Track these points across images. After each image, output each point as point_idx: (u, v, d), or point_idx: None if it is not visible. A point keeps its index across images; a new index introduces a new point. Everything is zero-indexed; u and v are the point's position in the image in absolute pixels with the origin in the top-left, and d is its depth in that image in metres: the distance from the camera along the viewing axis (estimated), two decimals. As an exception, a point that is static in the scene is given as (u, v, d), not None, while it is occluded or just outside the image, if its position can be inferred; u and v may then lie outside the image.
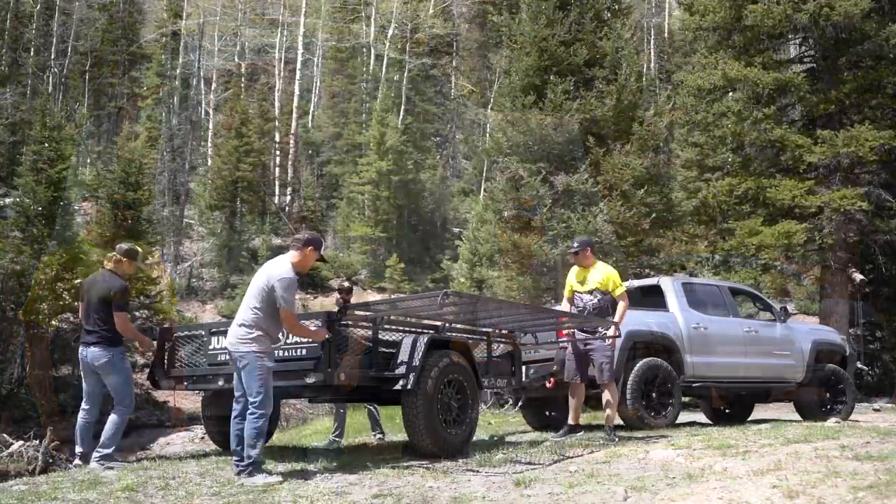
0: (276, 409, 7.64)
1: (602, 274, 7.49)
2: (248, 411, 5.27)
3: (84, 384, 6.56)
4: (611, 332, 7.33)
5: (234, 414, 5.43)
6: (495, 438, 7.80)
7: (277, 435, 9.31)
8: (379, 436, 8.78)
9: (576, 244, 7.66)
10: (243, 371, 5.33)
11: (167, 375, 6.66)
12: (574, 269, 7.70)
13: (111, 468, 5.98)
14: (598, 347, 7.34)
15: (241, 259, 33.52)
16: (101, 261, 6.63)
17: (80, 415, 6.50)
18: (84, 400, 6.51)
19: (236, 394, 5.46)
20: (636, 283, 9.94)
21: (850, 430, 6.94)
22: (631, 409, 8.15)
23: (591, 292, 7.42)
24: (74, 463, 6.36)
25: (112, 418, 6.32)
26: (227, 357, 5.61)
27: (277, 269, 5.39)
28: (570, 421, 7.49)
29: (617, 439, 7.02)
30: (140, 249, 6.95)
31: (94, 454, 6.15)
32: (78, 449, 6.44)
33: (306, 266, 5.62)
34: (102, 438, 6.23)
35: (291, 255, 5.55)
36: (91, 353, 6.33)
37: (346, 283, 9.48)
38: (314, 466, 5.84)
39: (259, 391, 5.27)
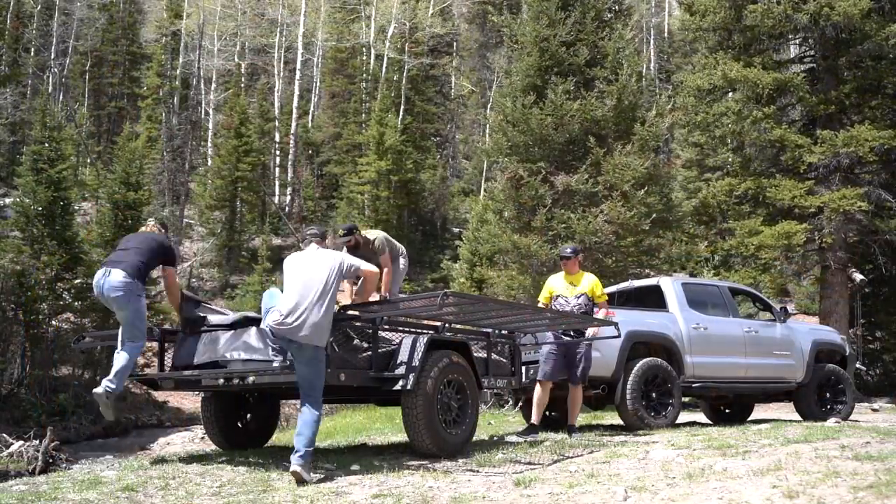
0: (275, 408, 7.67)
1: (590, 281, 7.71)
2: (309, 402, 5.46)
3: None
4: (609, 332, 7.37)
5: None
6: (495, 438, 7.80)
7: (277, 435, 9.30)
8: None
9: (569, 250, 7.79)
10: (307, 363, 5.40)
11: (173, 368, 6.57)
12: (560, 276, 7.84)
13: (108, 399, 5.89)
14: (582, 349, 7.48)
15: (241, 259, 33.53)
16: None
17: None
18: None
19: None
20: (636, 283, 9.93)
21: (850, 430, 6.93)
22: (631, 409, 8.15)
23: (578, 297, 7.56)
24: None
25: (122, 354, 6.03)
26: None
27: (333, 255, 5.77)
28: (534, 420, 7.63)
29: (577, 435, 7.27)
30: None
31: (104, 381, 5.95)
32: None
33: None
34: (114, 370, 6.00)
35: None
36: (108, 283, 5.95)
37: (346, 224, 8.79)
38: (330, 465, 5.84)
39: (321, 386, 5.49)
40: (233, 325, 6.13)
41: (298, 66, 40.18)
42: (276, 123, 39.46)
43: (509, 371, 7.30)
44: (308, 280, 5.49)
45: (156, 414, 21.68)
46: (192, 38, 41.17)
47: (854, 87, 17.12)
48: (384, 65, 39.18)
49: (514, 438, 7.36)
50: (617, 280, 12.82)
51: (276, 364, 5.56)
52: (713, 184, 19.05)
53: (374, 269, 6.05)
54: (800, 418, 9.63)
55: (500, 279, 16.32)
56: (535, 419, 7.63)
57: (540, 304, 7.77)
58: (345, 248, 7.74)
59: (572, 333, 7.61)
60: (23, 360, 19.78)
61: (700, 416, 10.86)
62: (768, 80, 16.63)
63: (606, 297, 7.77)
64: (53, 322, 21.11)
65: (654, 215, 15.39)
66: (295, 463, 5.17)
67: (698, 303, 9.26)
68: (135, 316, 6.08)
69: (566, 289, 7.66)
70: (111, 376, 5.98)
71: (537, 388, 7.63)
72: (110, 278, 5.97)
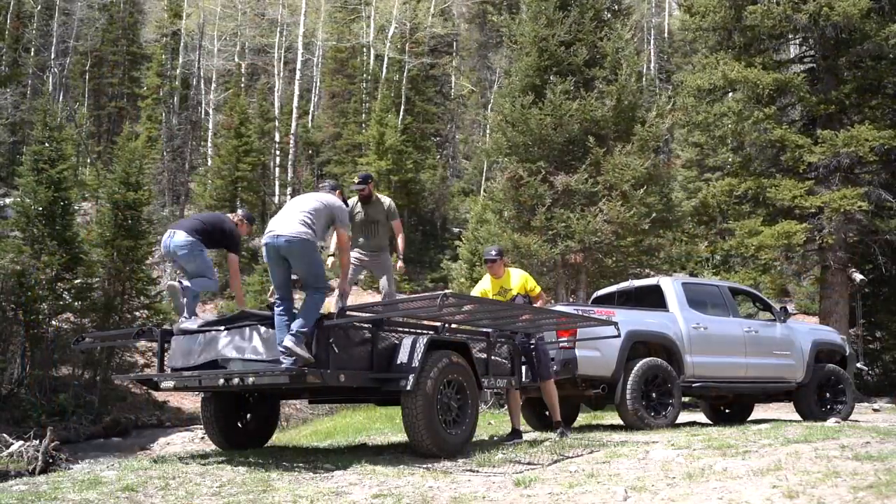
0: (275, 408, 7.67)
1: (519, 277, 7.62)
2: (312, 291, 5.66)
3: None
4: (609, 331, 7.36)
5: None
6: (495, 438, 7.80)
7: (277, 435, 9.31)
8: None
9: (493, 252, 7.68)
10: (299, 257, 5.66)
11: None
12: (487, 279, 7.76)
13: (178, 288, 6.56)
14: (541, 346, 7.44)
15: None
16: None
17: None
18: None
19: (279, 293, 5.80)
20: (636, 283, 9.93)
21: (850, 430, 6.93)
22: (631, 409, 8.15)
23: (514, 297, 7.48)
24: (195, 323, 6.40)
25: (191, 290, 6.65)
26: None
27: (332, 199, 6.04)
28: (517, 426, 7.51)
29: (568, 435, 7.17)
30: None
31: (182, 320, 6.44)
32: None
33: None
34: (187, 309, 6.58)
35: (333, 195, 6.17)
36: (175, 242, 6.64)
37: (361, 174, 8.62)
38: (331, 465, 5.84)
39: (320, 273, 5.74)
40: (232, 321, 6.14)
41: (298, 66, 40.18)
42: (276, 123, 39.47)
43: (509, 371, 7.29)
44: (299, 201, 6.01)
45: (156, 414, 21.68)
46: (192, 38, 41.18)
47: (854, 87, 17.12)
48: (384, 65, 39.19)
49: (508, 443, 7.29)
50: (617, 280, 12.82)
51: (284, 365, 5.54)
52: (713, 184, 19.05)
53: (345, 234, 6.15)
54: (800, 418, 9.63)
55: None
56: (516, 423, 7.55)
57: None
58: (357, 197, 7.73)
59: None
60: (23, 360, 19.79)
61: (700, 416, 10.86)
62: (768, 80, 16.63)
63: (540, 288, 7.67)
64: (53, 322, 21.12)
65: (654, 215, 15.40)
66: (287, 339, 5.47)
67: (698, 303, 9.26)
68: (204, 265, 6.76)
69: (500, 292, 7.59)
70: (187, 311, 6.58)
71: (514, 395, 7.57)
72: (173, 244, 6.68)
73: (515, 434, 7.39)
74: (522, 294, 7.48)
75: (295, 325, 5.52)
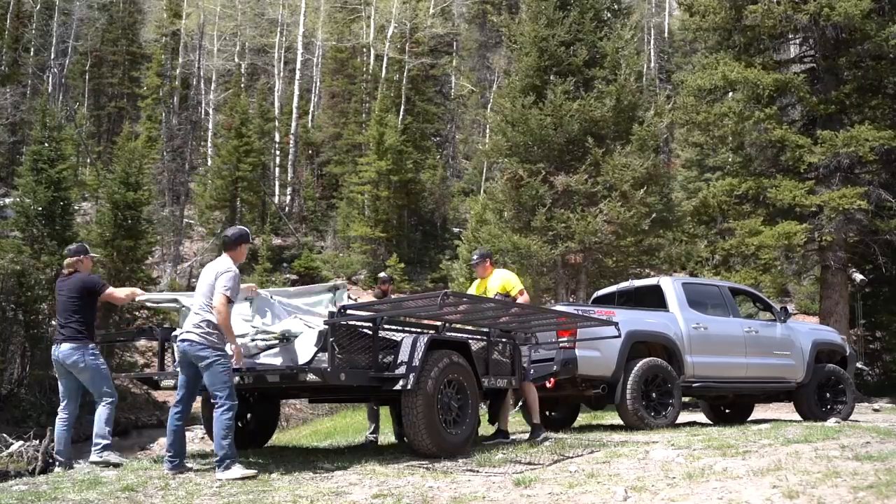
0: (275, 408, 7.67)
1: (499, 280, 7.62)
2: (217, 406, 5.48)
3: (60, 384, 6.53)
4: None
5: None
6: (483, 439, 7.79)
7: (277, 435, 9.31)
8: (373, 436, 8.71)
9: (475, 257, 7.81)
10: (206, 368, 5.49)
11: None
12: (475, 283, 7.88)
13: (111, 462, 6.05)
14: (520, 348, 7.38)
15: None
16: (73, 269, 6.55)
17: (59, 416, 6.46)
18: (62, 401, 6.48)
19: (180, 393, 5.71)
20: (636, 283, 9.93)
21: (850, 430, 6.93)
22: (631, 409, 8.14)
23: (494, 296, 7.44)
24: (56, 468, 6.33)
25: (99, 411, 6.30)
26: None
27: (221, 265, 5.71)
28: (498, 426, 7.43)
29: (542, 437, 7.01)
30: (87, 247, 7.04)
31: (94, 448, 6.18)
32: (57, 453, 6.48)
33: (240, 260, 5.88)
34: (95, 432, 6.25)
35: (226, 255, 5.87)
36: (62, 352, 6.31)
37: (385, 274, 9.20)
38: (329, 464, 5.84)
39: (226, 386, 5.49)
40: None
41: (298, 66, 40.19)
42: (276, 123, 39.47)
43: (509, 371, 7.28)
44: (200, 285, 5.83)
45: (156, 414, 21.68)
46: (191, 38, 41.18)
47: (854, 87, 17.11)
48: (384, 65, 39.19)
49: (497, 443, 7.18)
50: (617, 280, 12.82)
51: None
52: (713, 184, 19.05)
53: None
54: (800, 418, 9.63)
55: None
56: (503, 424, 7.47)
57: None
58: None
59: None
60: (23, 360, 19.79)
61: (700, 416, 10.85)
62: (768, 80, 16.62)
63: (520, 288, 7.62)
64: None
65: (654, 215, 15.39)
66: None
67: (698, 303, 9.25)
68: (96, 375, 6.38)
69: (483, 292, 7.63)
70: (96, 433, 6.35)
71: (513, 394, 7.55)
72: (62, 355, 6.33)
73: (501, 434, 7.36)
74: (503, 294, 7.46)
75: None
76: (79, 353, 6.26)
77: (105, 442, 6.24)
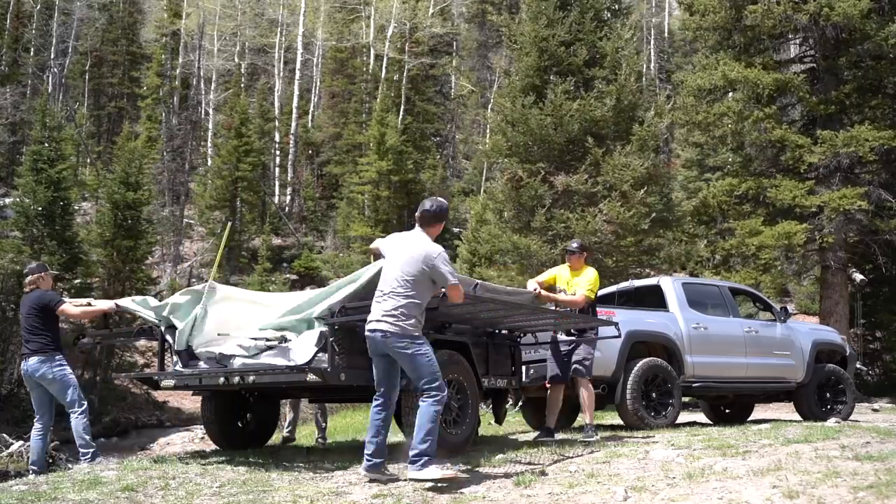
0: (275, 408, 7.67)
1: (586, 280, 7.34)
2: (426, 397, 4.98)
3: (32, 397, 6.75)
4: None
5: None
6: (495, 438, 7.80)
7: (277, 435, 9.30)
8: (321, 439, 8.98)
9: (575, 245, 7.53)
10: (397, 355, 5.01)
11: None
12: (566, 268, 7.57)
13: (101, 464, 6.16)
14: (581, 344, 7.27)
15: (242, 259, 33.52)
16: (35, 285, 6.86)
17: (34, 428, 6.65)
18: (36, 414, 6.67)
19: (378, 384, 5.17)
20: (636, 283, 9.92)
21: (850, 430, 6.93)
22: (631, 409, 8.14)
23: (574, 294, 7.33)
24: (29, 476, 6.34)
25: (74, 424, 6.48)
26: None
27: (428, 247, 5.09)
28: (549, 424, 7.34)
29: (598, 437, 6.92)
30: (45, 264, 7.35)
31: (84, 460, 6.35)
32: (32, 463, 6.62)
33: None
34: (78, 444, 6.45)
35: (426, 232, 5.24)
36: (30, 365, 6.55)
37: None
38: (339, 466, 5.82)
39: (434, 375, 5.00)
40: None
41: (298, 66, 40.18)
42: (276, 123, 39.46)
43: (509, 371, 7.28)
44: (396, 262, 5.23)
45: (156, 414, 21.68)
46: (191, 38, 41.18)
47: (854, 87, 17.11)
48: (384, 65, 39.19)
49: (536, 439, 7.11)
50: (617, 280, 12.82)
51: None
52: (713, 184, 19.04)
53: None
54: (800, 418, 9.63)
55: (500, 279, 16.32)
56: (550, 422, 7.34)
57: (532, 282, 7.33)
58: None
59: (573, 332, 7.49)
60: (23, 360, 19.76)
61: (700, 416, 10.86)
62: (768, 80, 16.63)
63: (593, 297, 7.36)
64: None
65: (654, 215, 15.39)
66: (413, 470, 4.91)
67: (698, 303, 9.25)
68: (64, 387, 6.60)
69: (567, 283, 7.46)
70: (79, 444, 6.50)
71: (551, 392, 7.37)
72: (30, 369, 6.59)
73: (549, 432, 7.22)
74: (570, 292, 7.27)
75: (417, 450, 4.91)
76: (46, 366, 6.50)
77: (91, 450, 6.41)
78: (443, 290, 5.19)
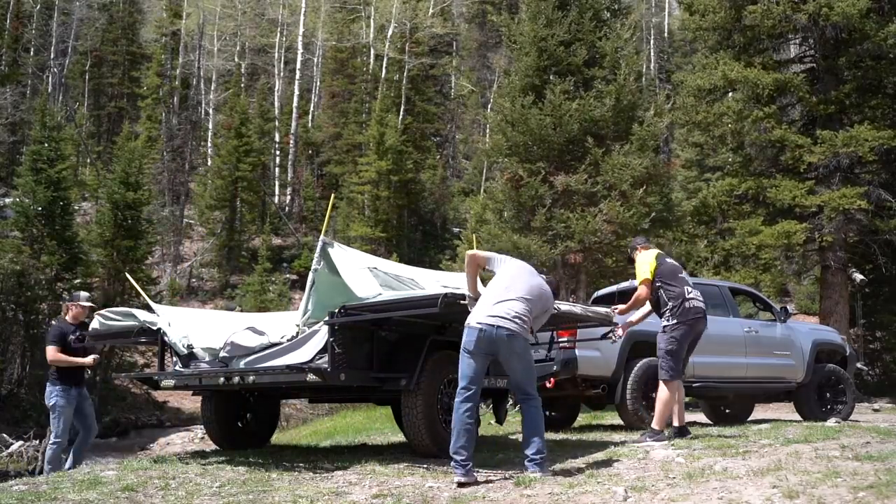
0: (275, 408, 7.67)
1: (637, 269, 6.97)
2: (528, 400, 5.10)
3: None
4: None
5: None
6: (495, 438, 7.80)
7: (277, 435, 9.31)
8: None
9: (639, 241, 7.24)
10: (515, 355, 5.05)
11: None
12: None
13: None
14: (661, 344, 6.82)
15: (242, 259, 33.55)
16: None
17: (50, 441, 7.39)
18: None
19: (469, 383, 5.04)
20: (636, 283, 9.90)
21: (851, 430, 6.92)
22: (631, 409, 8.14)
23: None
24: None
25: (47, 450, 7.23)
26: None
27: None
28: (676, 423, 6.81)
29: (666, 440, 6.44)
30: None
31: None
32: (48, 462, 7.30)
33: None
34: (45, 468, 7.11)
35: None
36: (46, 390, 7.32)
37: None
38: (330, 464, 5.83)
39: (535, 380, 5.22)
40: None
41: (298, 66, 40.18)
42: (276, 123, 39.47)
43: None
44: (523, 280, 5.40)
45: (156, 414, 21.68)
46: (191, 38, 41.20)
47: (854, 87, 17.11)
48: (384, 65, 39.19)
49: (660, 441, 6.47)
50: (617, 280, 12.81)
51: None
52: (713, 184, 19.04)
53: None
54: (800, 418, 9.62)
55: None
56: (678, 421, 6.78)
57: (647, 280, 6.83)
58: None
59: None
60: (23, 360, 19.78)
61: (700, 416, 10.86)
62: (768, 80, 16.62)
63: (644, 275, 6.84)
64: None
65: (654, 215, 15.39)
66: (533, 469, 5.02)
67: (698, 303, 9.22)
68: (55, 416, 7.35)
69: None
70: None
71: (674, 389, 6.70)
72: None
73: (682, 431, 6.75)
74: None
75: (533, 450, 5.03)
76: (47, 392, 7.23)
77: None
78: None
